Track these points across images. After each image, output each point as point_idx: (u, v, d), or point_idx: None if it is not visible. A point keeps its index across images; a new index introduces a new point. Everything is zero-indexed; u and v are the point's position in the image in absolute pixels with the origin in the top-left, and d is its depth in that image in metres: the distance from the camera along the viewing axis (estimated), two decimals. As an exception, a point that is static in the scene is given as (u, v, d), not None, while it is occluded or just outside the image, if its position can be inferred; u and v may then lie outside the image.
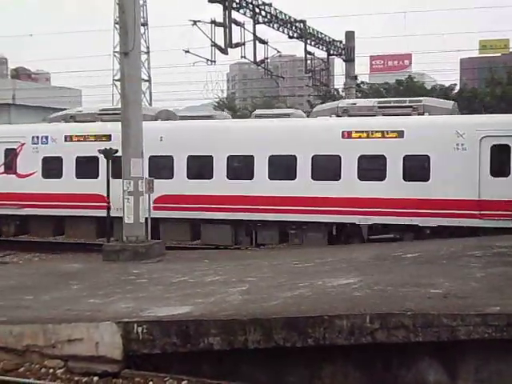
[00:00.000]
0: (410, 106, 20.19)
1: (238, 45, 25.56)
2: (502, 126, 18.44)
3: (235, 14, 25.21)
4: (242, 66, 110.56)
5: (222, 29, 24.39)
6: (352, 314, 9.42)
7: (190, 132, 21.23)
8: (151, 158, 20.70)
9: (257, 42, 26.76)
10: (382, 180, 19.08)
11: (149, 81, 55.34)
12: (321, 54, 33.43)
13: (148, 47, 53.71)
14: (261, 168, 19.94)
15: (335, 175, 19.44)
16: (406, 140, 18.91)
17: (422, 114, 19.76)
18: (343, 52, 34.31)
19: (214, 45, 24.51)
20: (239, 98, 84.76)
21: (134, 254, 17.60)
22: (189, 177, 20.97)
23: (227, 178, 20.49)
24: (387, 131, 19.12)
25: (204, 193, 20.37)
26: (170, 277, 14.60)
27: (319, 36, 32.28)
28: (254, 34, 26.62)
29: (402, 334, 9.09)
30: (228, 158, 20.51)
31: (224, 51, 24.52)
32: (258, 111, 24.58)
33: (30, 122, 29.31)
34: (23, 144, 22.66)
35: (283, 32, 29.41)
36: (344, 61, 34.90)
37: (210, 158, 20.64)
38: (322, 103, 32.44)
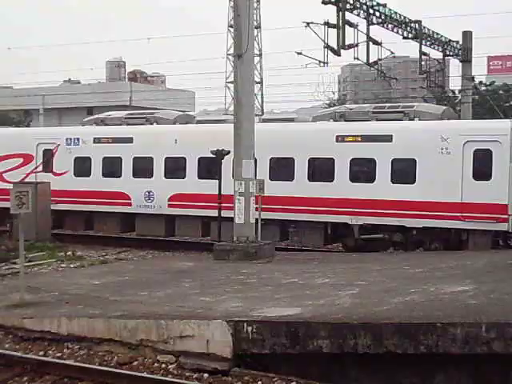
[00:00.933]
0: (402, 112, 20.76)
1: (350, 46, 25.36)
2: (485, 131, 18.99)
3: (349, 15, 25.03)
4: (354, 68, 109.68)
5: (334, 30, 24.26)
6: (467, 322, 9.13)
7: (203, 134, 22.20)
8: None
9: (370, 43, 26.45)
10: (371, 182, 19.77)
11: (261, 83, 55.86)
12: (436, 54, 32.66)
13: (260, 49, 54.24)
14: (263, 170, 20.53)
15: (330, 177, 20.18)
16: (395, 144, 19.58)
17: (413, 119, 20.31)
18: (460, 52, 33.34)
19: (327, 46, 24.41)
20: (350, 99, 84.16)
21: (244, 254, 17.79)
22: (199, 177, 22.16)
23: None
24: (377, 136, 19.87)
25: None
26: (280, 278, 14.66)
27: (435, 36, 31.52)
28: (368, 35, 26.33)
29: (521, 346, 8.73)
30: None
31: (337, 53, 24.38)
32: (265, 116, 25.29)
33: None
34: (58, 145, 24.40)
35: (397, 33, 28.90)
36: (460, 61, 33.92)
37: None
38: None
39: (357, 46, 25.74)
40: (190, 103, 55.15)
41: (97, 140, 23.82)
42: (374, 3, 26.81)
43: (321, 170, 20.63)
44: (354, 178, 20.01)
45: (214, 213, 20.51)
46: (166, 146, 22.43)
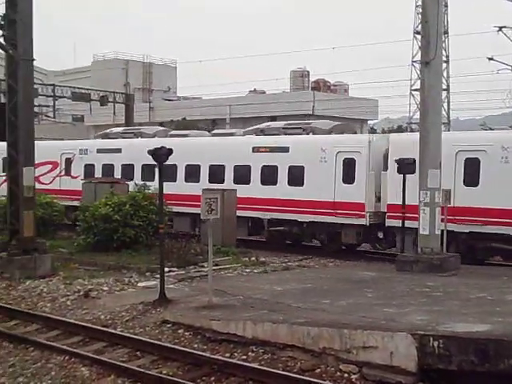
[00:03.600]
0: (301, 128, 25.06)
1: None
2: (350, 143, 22.43)
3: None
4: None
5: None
6: None
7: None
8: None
9: None
10: (275, 184, 23.68)
11: (447, 90, 54.25)
12: None
13: (447, 56, 52.64)
14: (205, 175, 25.37)
15: (247, 180, 24.18)
16: (291, 154, 23.46)
17: (308, 134, 24.40)
18: None
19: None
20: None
21: (429, 266, 17.29)
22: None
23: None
24: (279, 147, 23.81)
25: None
26: (466, 292, 14.10)
27: None
28: None
29: None
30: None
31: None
32: (215, 131, 30.39)
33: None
34: (75, 154, 30.00)
35: None
36: None
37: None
38: None
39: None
40: (373, 111, 54.75)
41: (99, 150, 29.25)
42: None
43: (241, 174, 24.44)
44: (264, 181, 23.94)
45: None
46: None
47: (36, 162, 29.17)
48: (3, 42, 17.73)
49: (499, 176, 19.08)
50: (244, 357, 10.70)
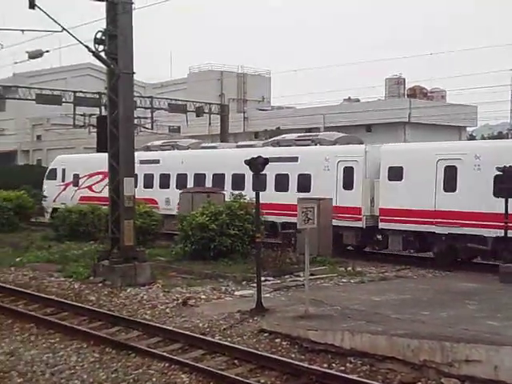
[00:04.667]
0: (310, 139, 27.07)
1: None
2: (349, 153, 24.15)
3: None
4: None
5: None
6: None
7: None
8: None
9: None
10: (286, 191, 25.30)
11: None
12: None
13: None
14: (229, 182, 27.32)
15: (264, 188, 24.22)
16: (299, 163, 25.45)
17: (316, 145, 26.34)
18: None
19: None
20: None
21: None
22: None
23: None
24: (289, 157, 25.82)
25: None
26: None
27: None
28: None
29: None
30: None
31: None
32: (239, 143, 32.63)
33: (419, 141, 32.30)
34: None
35: None
36: None
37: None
38: None
39: None
40: (472, 118, 53.29)
41: (142, 162, 30.01)
42: None
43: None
44: (277, 188, 25.64)
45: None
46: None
47: (89, 173, 34.34)
48: (104, 57, 18.32)
49: (473, 182, 20.53)
50: (342, 368, 10.59)
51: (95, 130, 22.08)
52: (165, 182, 30.16)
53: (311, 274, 16.09)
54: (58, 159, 38.18)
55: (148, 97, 50.42)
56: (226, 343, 11.81)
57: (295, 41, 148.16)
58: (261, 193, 24.96)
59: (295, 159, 25.67)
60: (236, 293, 16.49)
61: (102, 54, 18.26)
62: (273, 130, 48.73)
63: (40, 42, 25.08)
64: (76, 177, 35.20)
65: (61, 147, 59.31)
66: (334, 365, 10.75)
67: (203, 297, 15.97)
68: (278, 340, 12.00)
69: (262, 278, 15.29)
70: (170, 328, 12.95)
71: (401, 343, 10.50)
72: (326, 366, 10.68)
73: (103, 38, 18.14)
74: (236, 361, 11.02)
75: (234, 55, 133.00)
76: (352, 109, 50.71)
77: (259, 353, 11.21)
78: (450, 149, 22.30)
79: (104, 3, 18.34)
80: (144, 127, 50.23)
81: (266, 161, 14.45)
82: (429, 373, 10.06)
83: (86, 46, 18.13)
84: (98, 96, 45.09)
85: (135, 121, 23.03)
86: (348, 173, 23.77)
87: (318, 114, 51.34)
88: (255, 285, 14.98)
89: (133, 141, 18.89)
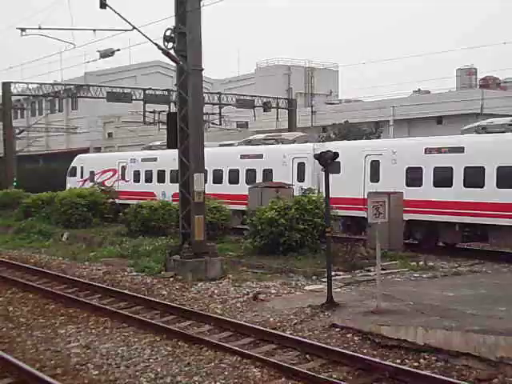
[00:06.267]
0: (274, 139, 31.33)
1: None
2: (301, 151, 28.08)
3: None
4: None
5: None
6: None
7: None
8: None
9: None
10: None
11: None
12: None
13: None
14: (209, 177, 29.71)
15: (237, 181, 30.14)
16: (264, 159, 29.41)
17: (279, 144, 30.53)
18: None
19: None
20: None
21: None
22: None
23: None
24: (257, 154, 29.88)
25: None
26: None
27: None
28: None
29: None
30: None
31: None
32: (221, 142, 35.75)
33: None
34: (127, 163, 37.28)
35: None
36: None
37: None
38: None
39: None
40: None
41: (143, 159, 36.12)
42: None
43: (234, 176, 30.49)
44: (248, 181, 28.86)
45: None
46: None
47: (102, 170, 39.06)
48: (174, 54, 18.52)
49: (391, 173, 23.93)
50: (416, 364, 10.44)
51: (165, 126, 22.41)
52: (161, 177, 34.52)
53: (382, 269, 15.91)
54: (77, 158, 42.50)
55: (216, 93, 50.89)
56: (297, 338, 11.80)
57: (363, 32, 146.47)
58: (236, 185, 28.89)
59: (261, 156, 29.71)
60: (306, 287, 16.45)
61: (172, 52, 18.47)
62: (341, 124, 48.38)
63: (111, 41, 25.51)
64: (92, 173, 39.66)
65: (131, 144, 60.39)
66: (406, 360, 10.61)
67: (273, 291, 16.00)
68: (349, 335, 11.92)
69: (332, 273, 15.19)
70: (241, 322, 13.02)
71: (476, 339, 10.28)
72: (398, 361, 10.55)
73: (172, 35, 18.34)
74: (307, 355, 11.00)
75: (301, 49, 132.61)
76: (422, 101, 49.90)
77: (331, 348, 11.15)
78: (374, 146, 26.99)
79: (173, 1, 18.55)
80: (212, 123, 50.70)
81: (336, 155, 14.34)
82: (506, 370, 9.80)
83: (156, 44, 18.37)
84: (167, 93, 45.83)
85: (204, 117, 23.19)
86: (301, 167, 27.77)
87: (388, 107, 50.67)
88: (325, 279, 14.91)
89: (202, 137, 19.06)
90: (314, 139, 31.57)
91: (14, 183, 42.56)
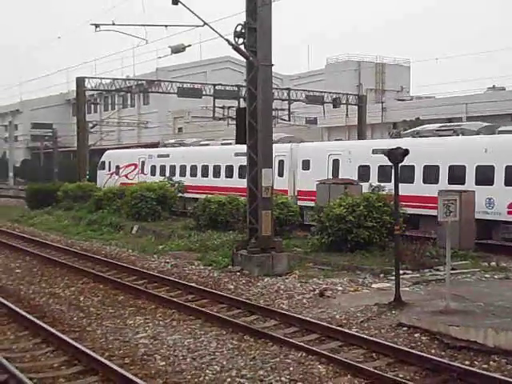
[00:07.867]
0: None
1: None
2: (281, 150, 29.97)
3: None
4: None
5: None
6: None
7: None
8: None
9: None
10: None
11: None
12: None
13: None
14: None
15: (231, 175, 33.89)
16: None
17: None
18: None
19: None
20: None
21: None
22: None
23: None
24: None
25: None
26: None
27: None
28: None
29: None
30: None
31: None
32: (222, 141, 39.90)
33: None
34: (146, 158, 41.47)
35: None
36: None
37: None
38: None
39: None
40: None
41: (157, 156, 40.88)
42: None
43: (228, 171, 34.27)
44: (240, 176, 31.61)
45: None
46: None
47: (126, 164, 43.29)
48: (244, 50, 18.58)
49: (347, 171, 27.38)
50: (485, 366, 10.20)
51: (234, 122, 22.51)
52: (173, 171, 38.45)
53: (452, 269, 15.60)
54: (106, 154, 46.67)
55: (285, 88, 50.82)
56: (363, 336, 11.69)
57: (432, 28, 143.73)
58: (229, 179, 31.29)
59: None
60: (373, 285, 16.28)
61: (242, 47, 18.52)
62: (412, 121, 47.64)
63: (182, 36, 25.76)
64: (117, 167, 43.93)
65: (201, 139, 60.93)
66: (476, 362, 10.37)
67: (340, 288, 15.89)
68: (417, 335, 11.74)
69: (401, 272, 14.97)
70: (307, 318, 12.98)
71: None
72: (467, 363, 10.32)
73: (243, 31, 18.39)
74: (374, 354, 10.89)
75: (372, 45, 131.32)
76: (497, 97, 48.70)
77: (398, 347, 11.01)
78: (336, 146, 31.54)
79: (244, -4, 18.60)
80: (281, 119, 50.69)
81: (406, 152, 14.13)
82: None
83: (227, 40, 18.45)
84: (236, 88, 46.03)
85: (273, 112, 23.20)
86: (281, 165, 31.12)
87: (461, 104, 49.67)
88: (393, 278, 14.72)
89: (271, 132, 19.08)
90: (299, 140, 35.04)
91: (87, 176, 43.57)
